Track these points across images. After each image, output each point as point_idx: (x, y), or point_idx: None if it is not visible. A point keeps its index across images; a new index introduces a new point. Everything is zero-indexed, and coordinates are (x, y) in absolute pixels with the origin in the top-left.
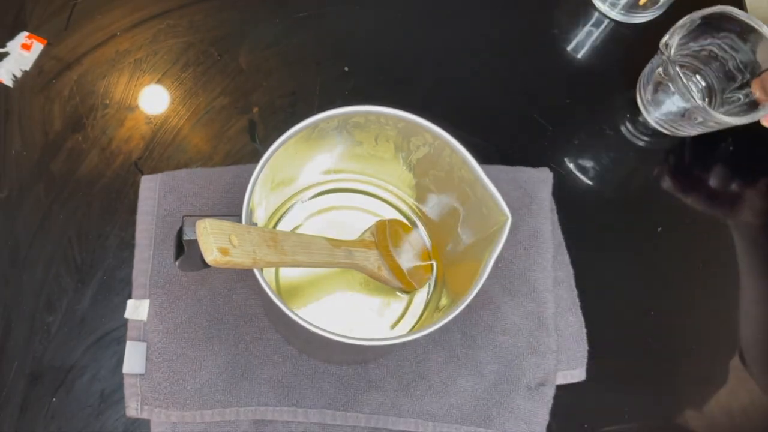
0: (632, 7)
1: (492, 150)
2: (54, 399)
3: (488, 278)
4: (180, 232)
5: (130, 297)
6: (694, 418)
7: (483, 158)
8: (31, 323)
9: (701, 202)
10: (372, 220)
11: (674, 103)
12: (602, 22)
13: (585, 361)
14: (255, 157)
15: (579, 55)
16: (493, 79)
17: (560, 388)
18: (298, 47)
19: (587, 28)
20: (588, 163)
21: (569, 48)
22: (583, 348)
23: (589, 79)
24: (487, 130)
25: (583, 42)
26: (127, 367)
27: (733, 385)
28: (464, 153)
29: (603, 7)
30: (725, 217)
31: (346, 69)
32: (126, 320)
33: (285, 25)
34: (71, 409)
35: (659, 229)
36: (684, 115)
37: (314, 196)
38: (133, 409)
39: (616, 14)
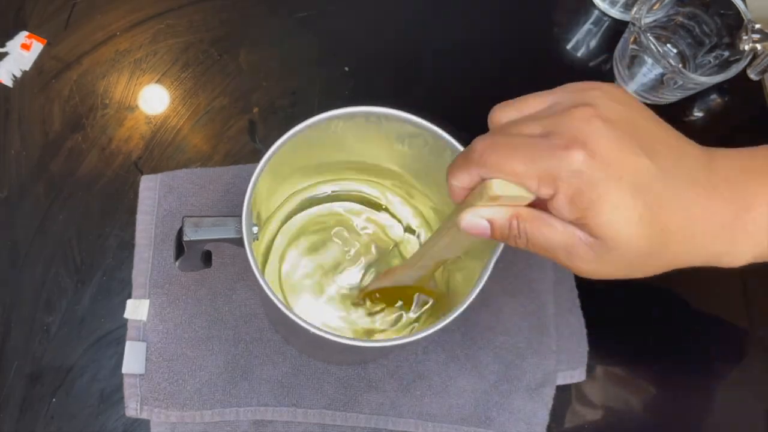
0: (631, 5)
1: None
2: (54, 399)
3: (488, 279)
4: (180, 233)
5: (129, 297)
6: (695, 418)
7: None
8: (31, 323)
9: None
10: (372, 222)
11: (651, 71)
12: (602, 21)
13: (585, 361)
14: (255, 157)
15: (579, 54)
16: (494, 78)
17: (560, 388)
18: (298, 47)
19: (587, 26)
20: None
21: (569, 46)
22: (583, 348)
23: (589, 78)
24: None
25: (582, 40)
26: (126, 367)
27: (734, 384)
28: None
29: (603, 6)
30: None
31: (346, 69)
32: (126, 320)
33: (285, 25)
34: (71, 409)
35: None
36: (662, 81)
37: (314, 196)
38: (132, 409)
39: (615, 12)
